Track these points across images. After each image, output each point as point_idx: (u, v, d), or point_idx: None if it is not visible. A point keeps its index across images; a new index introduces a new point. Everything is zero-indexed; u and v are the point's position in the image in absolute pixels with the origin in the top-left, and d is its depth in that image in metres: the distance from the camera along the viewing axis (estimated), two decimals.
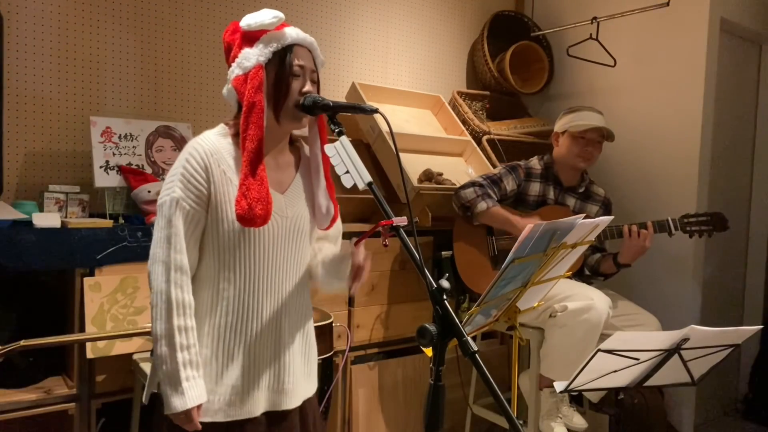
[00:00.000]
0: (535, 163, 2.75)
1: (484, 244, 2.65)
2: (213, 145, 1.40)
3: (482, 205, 2.54)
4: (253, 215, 1.33)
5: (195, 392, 1.34)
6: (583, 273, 2.76)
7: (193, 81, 2.75)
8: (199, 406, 1.35)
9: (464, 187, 2.61)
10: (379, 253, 2.68)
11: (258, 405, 1.44)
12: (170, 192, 1.36)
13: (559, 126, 2.72)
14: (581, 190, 2.75)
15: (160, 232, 1.36)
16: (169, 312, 1.33)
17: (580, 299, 2.37)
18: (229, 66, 1.45)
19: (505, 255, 2.65)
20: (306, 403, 1.55)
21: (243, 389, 1.42)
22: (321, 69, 1.50)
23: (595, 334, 2.32)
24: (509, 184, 2.65)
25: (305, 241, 1.52)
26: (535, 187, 2.70)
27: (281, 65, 1.40)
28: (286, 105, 1.41)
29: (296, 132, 1.57)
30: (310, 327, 1.60)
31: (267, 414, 1.47)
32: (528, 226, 1.63)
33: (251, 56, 1.39)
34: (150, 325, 2.07)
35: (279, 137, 1.48)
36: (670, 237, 2.55)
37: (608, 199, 2.83)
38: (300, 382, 1.52)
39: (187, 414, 1.33)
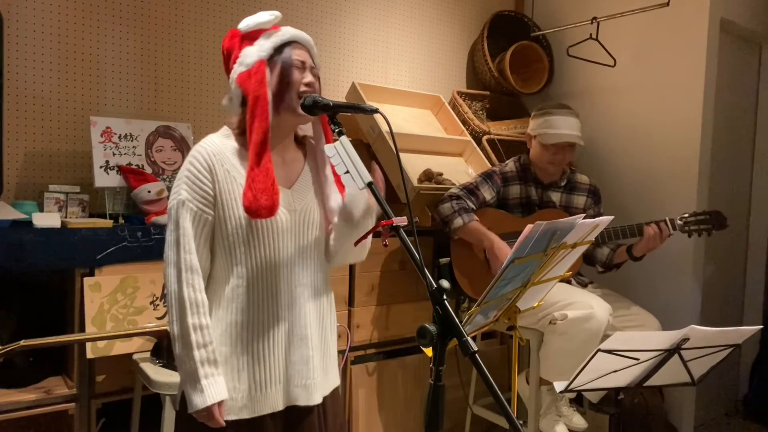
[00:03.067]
0: (510, 166, 2.71)
1: (482, 251, 2.63)
2: (216, 147, 1.43)
3: (458, 222, 2.53)
4: (259, 206, 1.35)
5: (214, 389, 1.35)
6: (593, 266, 2.74)
7: (193, 81, 2.75)
8: (220, 403, 1.37)
9: (443, 201, 2.60)
10: (379, 253, 2.69)
11: (279, 399, 1.45)
12: (177, 195, 1.39)
13: (531, 128, 2.67)
14: (563, 184, 2.72)
15: (170, 235, 1.39)
16: (183, 312, 1.35)
17: (581, 308, 2.35)
18: (228, 72, 1.48)
19: None
20: (326, 400, 1.54)
21: (264, 384, 1.43)
22: (318, 69, 1.52)
23: (595, 343, 2.31)
24: (486, 193, 2.63)
25: (318, 235, 1.52)
26: (515, 190, 2.68)
27: (282, 58, 1.43)
28: (290, 96, 1.44)
29: (300, 132, 1.59)
30: (330, 321, 1.58)
31: (289, 409, 1.47)
32: (528, 225, 1.63)
33: (252, 53, 1.43)
34: (150, 325, 2.10)
35: (284, 133, 1.50)
36: (669, 237, 2.55)
37: (594, 185, 2.78)
38: (320, 378, 1.51)
39: (209, 411, 1.35)
